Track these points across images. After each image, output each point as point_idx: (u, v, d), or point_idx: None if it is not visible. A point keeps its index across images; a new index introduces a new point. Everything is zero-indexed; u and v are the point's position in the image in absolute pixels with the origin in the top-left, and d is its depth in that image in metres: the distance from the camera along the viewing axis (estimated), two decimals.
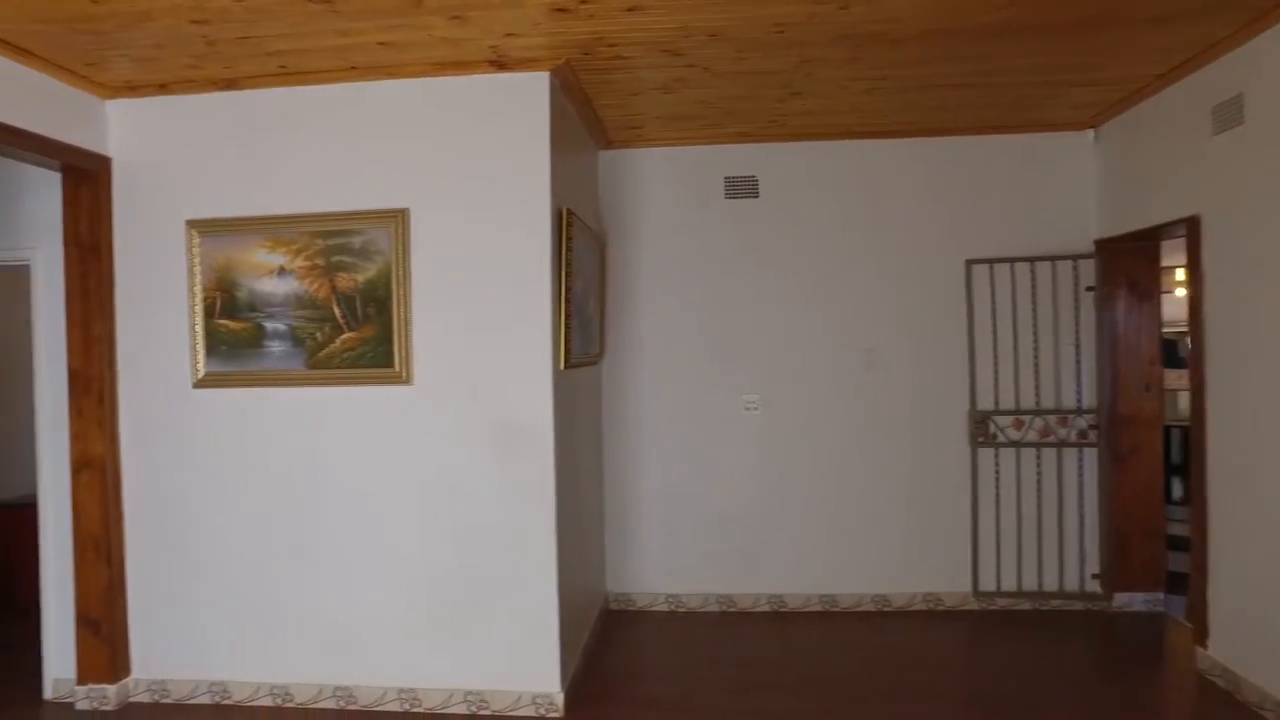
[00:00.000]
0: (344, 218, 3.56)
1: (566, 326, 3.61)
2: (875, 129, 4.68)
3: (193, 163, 3.73)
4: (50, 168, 3.66)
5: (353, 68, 3.51)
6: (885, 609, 4.78)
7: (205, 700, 3.72)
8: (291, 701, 3.66)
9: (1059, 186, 4.76)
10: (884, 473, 4.80)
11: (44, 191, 3.81)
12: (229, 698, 3.71)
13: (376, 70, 3.53)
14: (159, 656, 3.79)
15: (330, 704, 3.63)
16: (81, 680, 3.75)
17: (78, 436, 3.75)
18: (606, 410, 4.97)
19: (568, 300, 3.63)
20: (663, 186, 4.91)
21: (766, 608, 4.82)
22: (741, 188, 4.86)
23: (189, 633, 3.76)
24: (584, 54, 3.45)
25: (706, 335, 4.88)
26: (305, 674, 3.67)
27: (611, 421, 4.96)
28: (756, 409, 4.85)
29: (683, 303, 4.90)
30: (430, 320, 3.55)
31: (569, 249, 3.64)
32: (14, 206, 3.90)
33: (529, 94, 3.51)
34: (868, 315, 4.81)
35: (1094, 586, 4.69)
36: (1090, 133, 4.73)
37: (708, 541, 4.86)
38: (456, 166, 3.54)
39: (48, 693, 3.87)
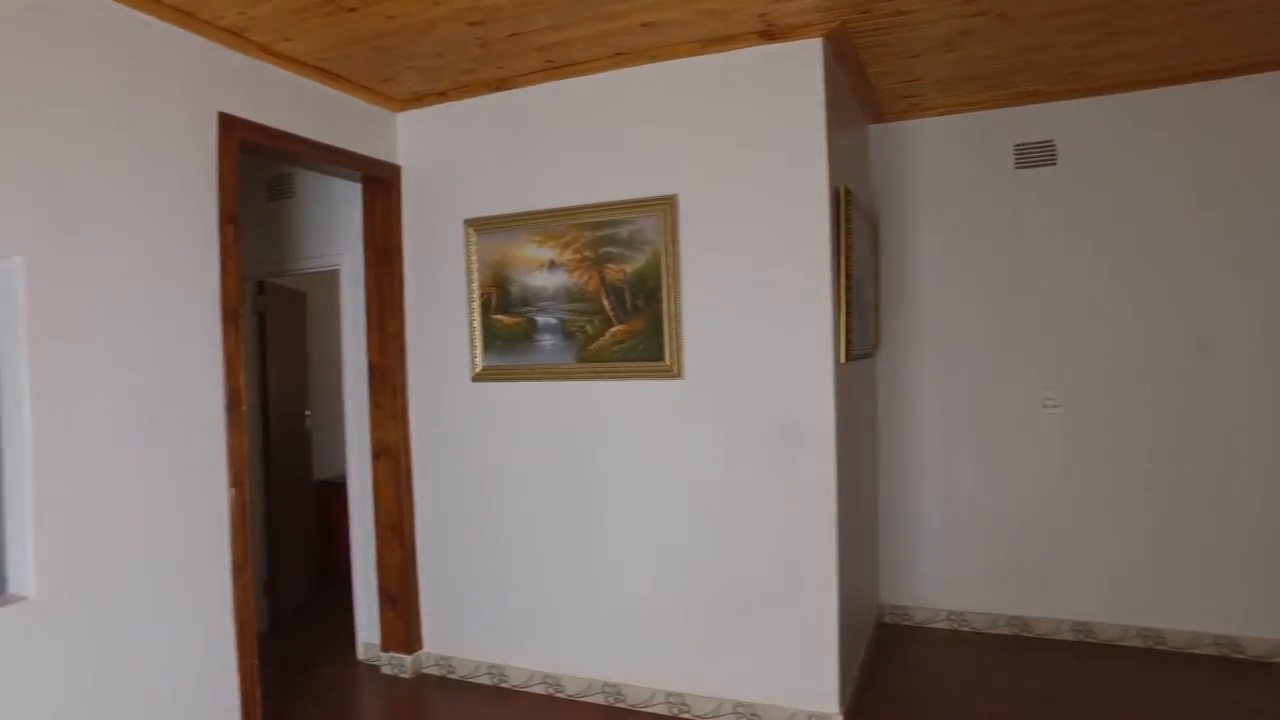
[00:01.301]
0: (611, 208, 3.51)
1: (847, 315, 3.30)
2: (1213, 68, 3.84)
3: (469, 164, 3.88)
4: (353, 179, 3.99)
5: (617, 54, 3.44)
6: (1234, 655, 3.92)
7: (485, 681, 3.88)
8: (562, 692, 3.70)
9: None
10: (1228, 483, 3.93)
11: (349, 202, 4.17)
12: (505, 681, 3.84)
13: (640, 55, 3.44)
14: (445, 634, 4.01)
15: (599, 699, 3.62)
16: (384, 647, 4.07)
17: (376, 426, 4.06)
18: (882, 406, 4.57)
19: (848, 287, 3.32)
20: (941, 160, 4.40)
21: (1069, 636, 4.17)
22: (1035, 155, 4.22)
23: (470, 615, 3.94)
24: (860, 13, 3.11)
25: (996, 323, 4.31)
26: (576, 666, 3.69)
27: (888, 419, 4.55)
28: (1057, 406, 4.21)
29: (967, 287, 4.36)
30: (701, 311, 3.40)
31: (848, 231, 3.32)
32: (328, 217, 4.32)
33: (801, 64, 3.23)
34: (1201, 296, 3.96)
35: None
36: None
37: (998, 554, 4.30)
38: (725, 148, 3.35)
39: (359, 654, 4.26)
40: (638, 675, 3.56)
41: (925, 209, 4.44)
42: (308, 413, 5.41)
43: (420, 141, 4.01)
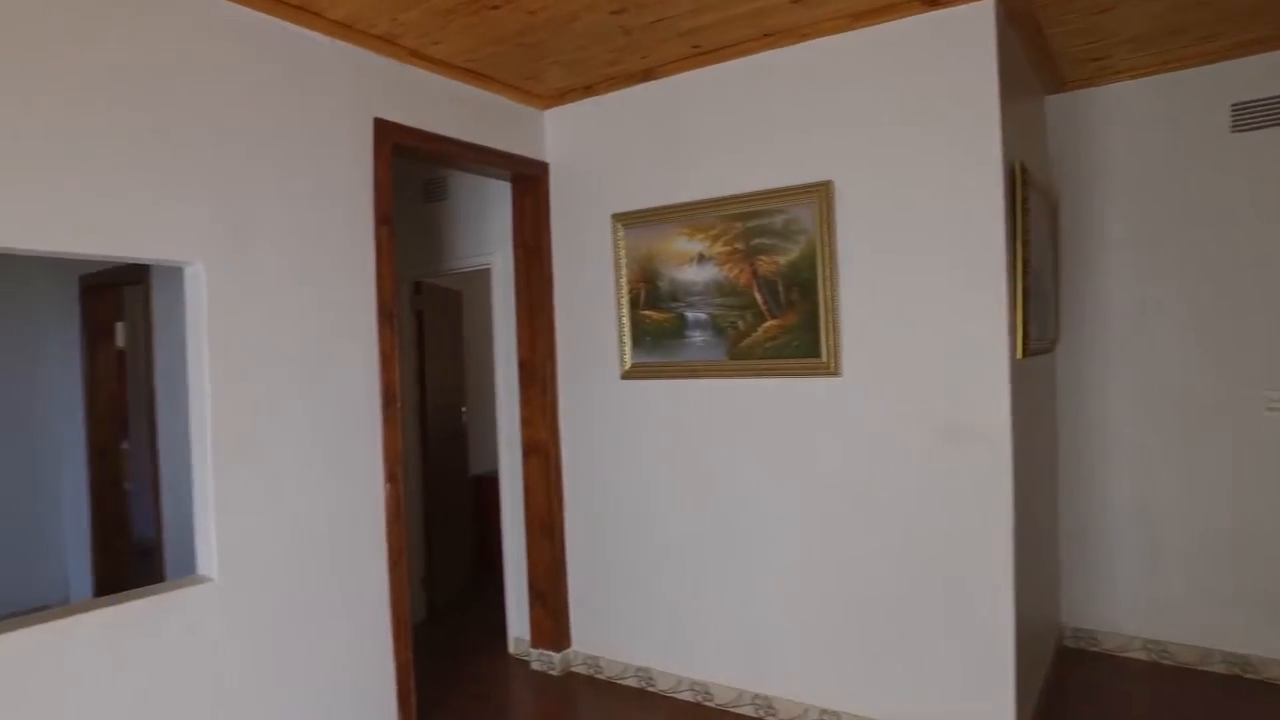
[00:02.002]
0: (762, 197, 3.34)
1: (1024, 307, 2.96)
2: None
3: (616, 158, 3.82)
4: (502, 178, 4.04)
5: (765, 35, 3.26)
6: None
7: (632, 683, 3.82)
8: (711, 701, 3.57)
9: None
10: None
11: (500, 201, 4.22)
12: (653, 685, 3.76)
13: (791, 34, 3.24)
14: (593, 634, 3.99)
15: (749, 711, 3.46)
16: (534, 644, 4.10)
17: (526, 422, 4.09)
18: (1063, 407, 4.12)
19: (1024, 274, 2.98)
20: (1137, 128, 3.89)
21: None
22: (1260, 114, 3.62)
23: (618, 616, 3.89)
24: None
25: (1203, 312, 3.75)
26: (725, 675, 3.55)
27: (1070, 421, 4.09)
28: None
29: (1168, 271, 3.82)
30: (860, 304, 3.17)
31: (1025, 213, 2.98)
32: (479, 217, 4.41)
33: (970, 29, 2.93)
34: None
35: None
36: None
37: (1211, 579, 3.74)
38: (885, 129, 3.10)
39: (510, 648, 4.32)
40: (790, 688, 3.38)
41: (1116, 185, 3.95)
42: (464, 409, 5.58)
43: (567, 137, 4.00)
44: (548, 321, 4.04)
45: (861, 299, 3.16)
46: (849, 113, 3.18)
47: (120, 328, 4.97)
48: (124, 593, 2.55)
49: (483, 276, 4.62)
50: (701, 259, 3.52)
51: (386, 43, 3.11)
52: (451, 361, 5.41)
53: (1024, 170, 3.04)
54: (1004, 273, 2.89)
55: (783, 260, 3.29)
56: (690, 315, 3.57)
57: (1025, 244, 3.00)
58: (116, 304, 4.80)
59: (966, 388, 2.96)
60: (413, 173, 4.63)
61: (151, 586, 2.60)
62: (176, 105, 2.52)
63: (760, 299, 3.36)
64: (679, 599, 3.69)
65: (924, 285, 3.03)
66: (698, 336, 3.55)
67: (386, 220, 3.16)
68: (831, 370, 3.21)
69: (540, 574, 4.06)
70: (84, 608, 2.39)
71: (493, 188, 4.27)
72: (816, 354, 3.22)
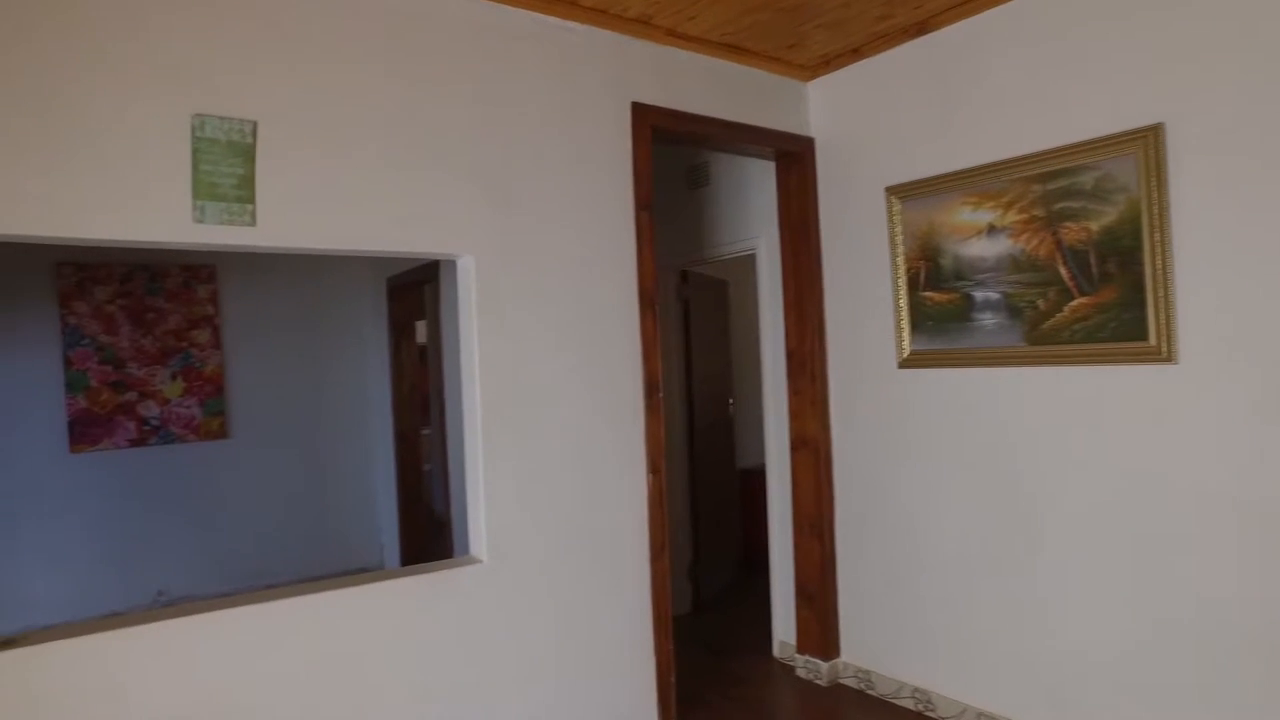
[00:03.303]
0: (1065, 153, 2.81)
1: None
2: None
3: (887, 126, 3.47)
4: (765, 157, 3.85)
5: None
6: None
7: (908, 705, 3.45)
8: None
9: None
10: None
11: (763, 182, 4.04)
12: (932, 710, 3.36)
13: None
14: (865, 645, 3.67)
15: None
16: (800, 649, 3.88)
17: (795, 415, 3.88)
18: None
19: None
20: None
21: None
22: None
23: (893, 628, 3.54)
24: None
25: None
26: (1018, 710, 3.07)
27: None
28: None
29: None
30: (1204, 274, 2.53)
31: None
32: (742, 200, 4.26)
33: None
34: None
35: None
36: None
37: None
38: (1247, 41, 2.42)
39: (775, 650, 4.14)
40: None
41: None
42: (731, 400, 5.47)
43: (833, 109, 3.70)
44: (817, 307, 3.78)
45: (1206, 267, 2.52)
46: (1185, 35, 2.55)
47: (420, 325, 5.52)
48: (413, 566, 2.81)
49: (747, 265, 4.46)
50: (991, 230, 3.06)
51: (641, 24, 3.06)
52: (718, 351, 5.33)
53: None
54: None
55: (1095, 226, 2.74)
56: (978, 295, 3.12)
57: None
58: (418, 302, 5.32)
59: None
60: (676, 160, 4.59)
61: (433, 563, 2.81)
62: (450, 104, 2.66)
63: (1066, 273, 2.84)
64: (965, 616, 3.26)
65: None
66: (988, 319, 3.09)
67: (647, 205, 3.11)
68: (1164, 356, 2.60)
69: (808, 576, 3.82)
70: (383, 576, 2.67)
71: (755, 169, 4.09)
72: (1143, 336, 2.64)
